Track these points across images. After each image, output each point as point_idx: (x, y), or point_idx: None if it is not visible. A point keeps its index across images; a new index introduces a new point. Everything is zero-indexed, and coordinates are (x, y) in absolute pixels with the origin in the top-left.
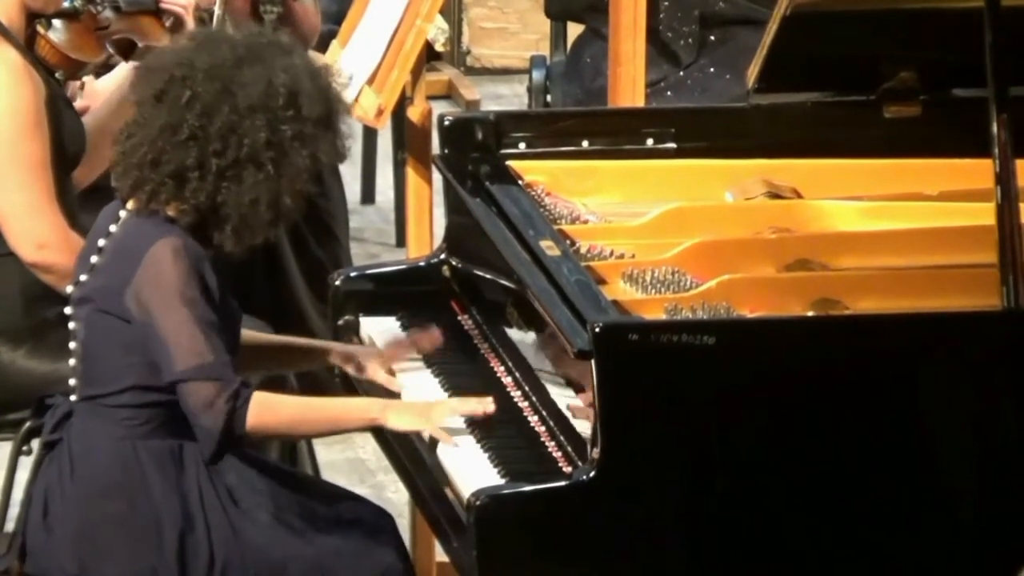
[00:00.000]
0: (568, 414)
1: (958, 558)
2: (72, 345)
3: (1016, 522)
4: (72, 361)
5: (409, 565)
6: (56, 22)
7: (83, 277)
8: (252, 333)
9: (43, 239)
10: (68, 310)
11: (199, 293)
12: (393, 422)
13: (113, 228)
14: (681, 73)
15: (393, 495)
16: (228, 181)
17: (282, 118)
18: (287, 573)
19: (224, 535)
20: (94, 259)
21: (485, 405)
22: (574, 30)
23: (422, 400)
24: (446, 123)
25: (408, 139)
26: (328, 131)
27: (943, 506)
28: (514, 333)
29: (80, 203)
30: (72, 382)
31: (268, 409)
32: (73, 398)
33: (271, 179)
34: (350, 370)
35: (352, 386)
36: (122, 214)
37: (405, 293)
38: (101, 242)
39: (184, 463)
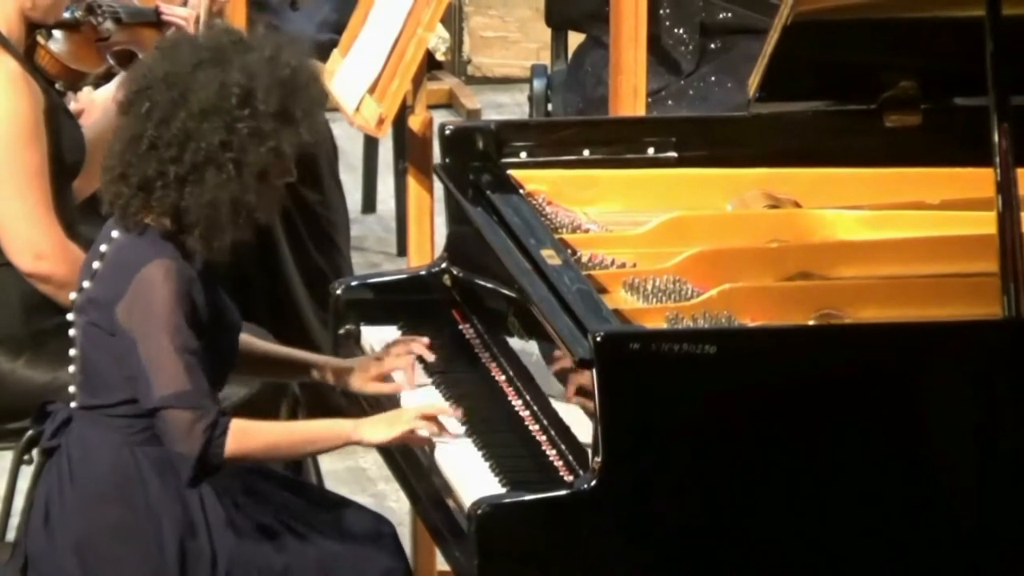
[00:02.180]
0: (564, 414)
1: (959, 565)
2: (72, 352)
3: (1017, 530)
4: (72, 367)
5: (409, 573)
6: (56, 33)
7: (86, 283)
8: (252, 340)
9: (41, 249)
10: (70, 316)
11: (184, 320)
12: (368, 436)
13: (115, 234)
14: (682, 82)
15: (394, 504)
16: (190, 186)
17: (237, 117)
18: None
19: (226, 540)
20: (96, 264)
21: (448, 410)
22: (575, 39)
23: (391, 411)
24: (447, 132)
25: (409, 148)
26: (288, 123)
27: (945, 514)
28: (515, 342)
29: (81, 212)
30: (72, 388)
31: (245, 437)
32: (73, 404)
33: (232, 179)
34: (345, 383)
35: (355, 399)
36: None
37: (406, 302)
38: (103, 247)
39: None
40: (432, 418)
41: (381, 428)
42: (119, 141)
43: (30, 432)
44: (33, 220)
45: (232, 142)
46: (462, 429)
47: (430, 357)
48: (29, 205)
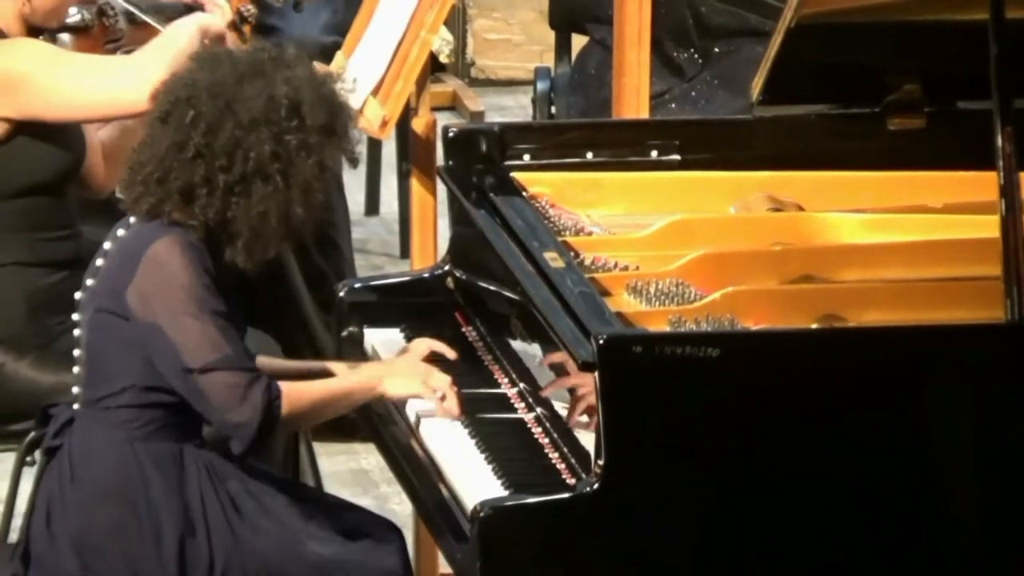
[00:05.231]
0: (572, 427)
1: (962, 571)
2: (76, 352)
3: (1021, 535)
4: (76, 368)
5: (411, 574)
6: (64, 36)
7: (89, 281)
8: (268, 361)
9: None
10: (76, 316)
11: (206, 288)
12: (391, 389)
13: (121, 232)
14: (685, 85)
15: (397, 506)
16: (237, 196)
17: (286, 129)
18: None
19: (225, 540)
20: (100, 262)
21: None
22: (578, 41)
23: (420, 366)
24: (450, 134)
25: (412, 150)
26: (333, 137)
27: (948, 518)
28: (518, 344)
29: (93, 213)
30: (75, 390)
31: (296, 399)
32: (76, 406)
33: (279, 191)
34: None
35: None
36: (131, 220)
37: (409, 304)
38: (108, 245)
39: (185, 467)
40: (451, 393)
41: (404, 381)
42: (156, 147)
43: (32, 434)
44: (123, 69)
45: (280, 154)
46: (479, 455)
47: (451, 354)
48: (104, 65)
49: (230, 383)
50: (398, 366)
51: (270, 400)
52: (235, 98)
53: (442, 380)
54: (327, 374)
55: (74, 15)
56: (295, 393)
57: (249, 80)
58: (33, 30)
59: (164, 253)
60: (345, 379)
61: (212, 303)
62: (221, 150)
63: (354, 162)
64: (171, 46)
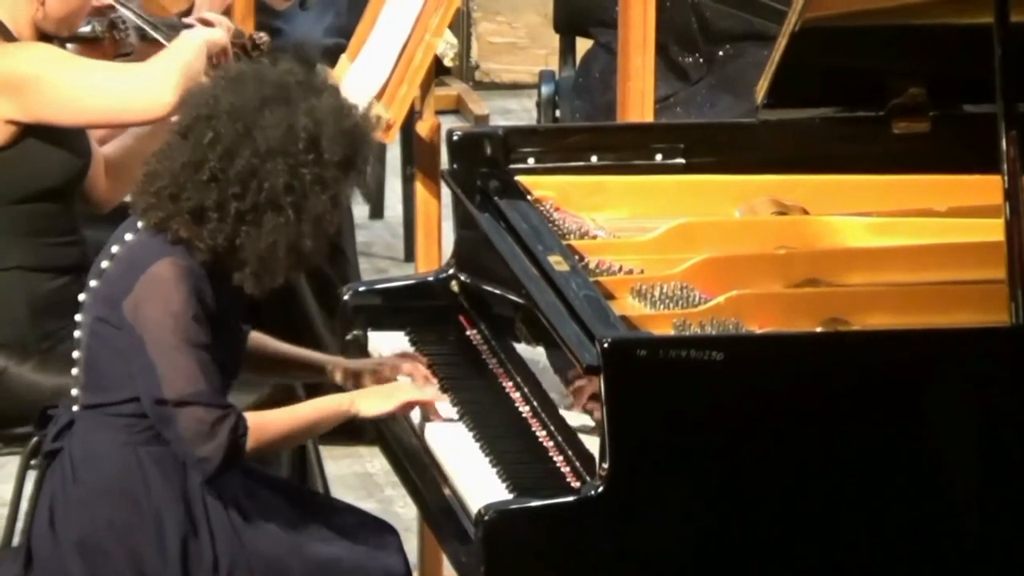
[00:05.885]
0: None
1: (967, 573)
2: (75, 354)
3: (1022, 538)
4: (75, 370)
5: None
6: (70, 46)
7: (93, 283)
8: (261, 339)
9: (168, 92)
10: (78, 317)
11: (195, 317)
12: (364, 409)
13: (129, 237)
14: (690, 89)
15: (401, 509)
16: (247, 224)
17: (302, 162)
18: None
19: (228, 540)
20: (104, 264)
21: (437, 396)
22: (583, 45)
23: (387, 384)
24: (455, 138)
25: (417, 154)
26: (349, 174)
27: (953, 522)
28: (522, 348)
29: (97, 219)
30: (74, 392)
31: (261, 432)
32: (75, 408)
33: (291, 223)
34: (349, 385)
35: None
36: (139, 224)
37: (414, 308)
38: (115, 248)
39: (187, 468)
40: (428, 394)
41: (375, 401)
42: (170, 160)
43: (36, 438)
44: (132, 75)
45: (295, 186)
46: (454, 412)
47: (433, 382)
48: (112, 67)
49: (200, 418)
50: (365, 390)
51: (235, 438)
52: (255, 124)
53: (410, 391)
54: (317, 366)
55: (85, 25)
56: (262, 426)
57: (271, 107)
58: (44, 37)
59: (164, 274)
60: (314, 406)
61: (198, 336)
62: (236, 177)
63: (368, 197)
64: (180, 57)
